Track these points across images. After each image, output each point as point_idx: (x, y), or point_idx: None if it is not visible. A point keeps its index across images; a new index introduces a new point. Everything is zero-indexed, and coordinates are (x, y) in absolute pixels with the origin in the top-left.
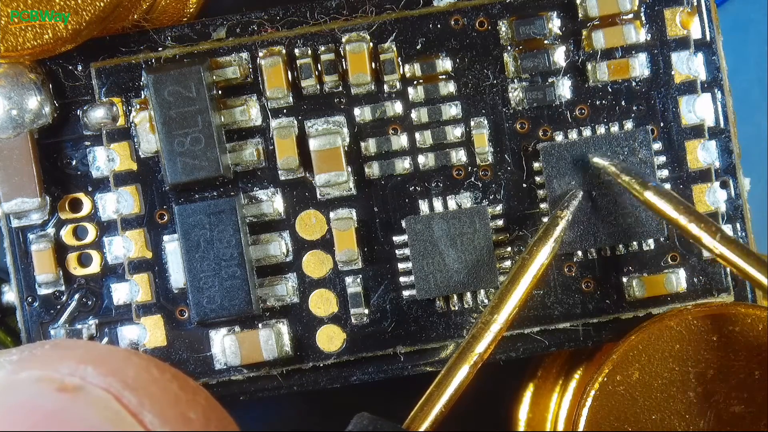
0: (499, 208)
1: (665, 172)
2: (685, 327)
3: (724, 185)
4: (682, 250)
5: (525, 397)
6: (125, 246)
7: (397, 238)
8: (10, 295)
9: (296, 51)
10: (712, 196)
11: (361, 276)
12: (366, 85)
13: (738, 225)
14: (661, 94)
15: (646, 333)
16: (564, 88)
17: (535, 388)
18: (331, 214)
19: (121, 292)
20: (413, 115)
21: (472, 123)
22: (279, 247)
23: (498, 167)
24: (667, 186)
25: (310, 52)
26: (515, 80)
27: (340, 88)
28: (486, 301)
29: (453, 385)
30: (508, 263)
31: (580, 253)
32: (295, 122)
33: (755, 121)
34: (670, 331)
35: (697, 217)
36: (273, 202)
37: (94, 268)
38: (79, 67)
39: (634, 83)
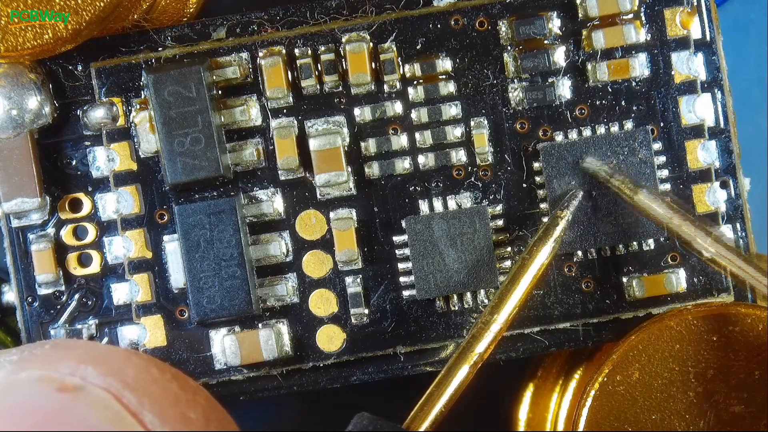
0: (499, 208)
1: (665, 172)
2: (685, 327)
3: (724, 185)
4: (682, 250)
5: (525, 397)
6: (125, 246)
7: (397, 238)
8: (10, 295)
9: (296, 51)
10: (712, 196)
11: (361, 276)
12: (366, 85)
13: (738, 225)
14: (661, 94)
15: (646, 333)
16: (564, 88)
17: (535, 388)
18: (331, 214)
19: (121, 292)
20: (413, 115)
21: (472, 123)
22: (279, 247)
23: (498, 167)
24: (667, 186)
25: (310, 52)
26: (515, 80)
27: (340, 88)
28: (486, 301)
29: (453, 385)
30: (508, 263)
31: (580, 253)
32: (295, 122)
33: (755, 121)
34: (670, 331)
35: (689, 219)
36: (273, 202)
37: (94, 268)
38: (79, 67)
39: (634, 83)
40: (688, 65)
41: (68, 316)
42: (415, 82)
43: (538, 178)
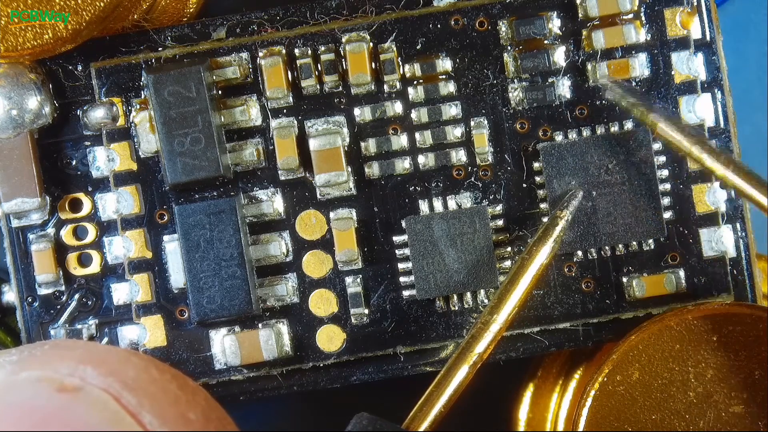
0: (499, 208)
1: (665, 172)
2: (685, 327)
3: (724, 185)
4: (682, 250)
5: (525, 397)
6: (125, 246)
7: (397, 238)
8: (10, 295)
9: (296, 51)
10: (712, 196)
11: (361, 276)
12: (366, 85)
13: (738, 225)
14: (661, 94)
15: (646, 333)
16: (564, 88)
17: (535, 388)
18: (331, 214)
19: (121, 292)
20: (413, 115)
21: (472, 123)
22: (279, 247)
23: (498, 167)
24: (667, 186)
25: (310, 52)
26: (515, 80)
27: (340, 88)
28: (486, 301)
29: (452, 385)
30: (508, 263)
31: (580, 253)
32: (295, 122)
33: (755, 121)
34: (670, 331)
35: (708, 149)
36: (273, 202)
37: (94, 268)
38: (79, 67)
39: (634, 83)
40: (688, 65)
41: (68, 316)
42: (415, 82)
43: (538, 178)
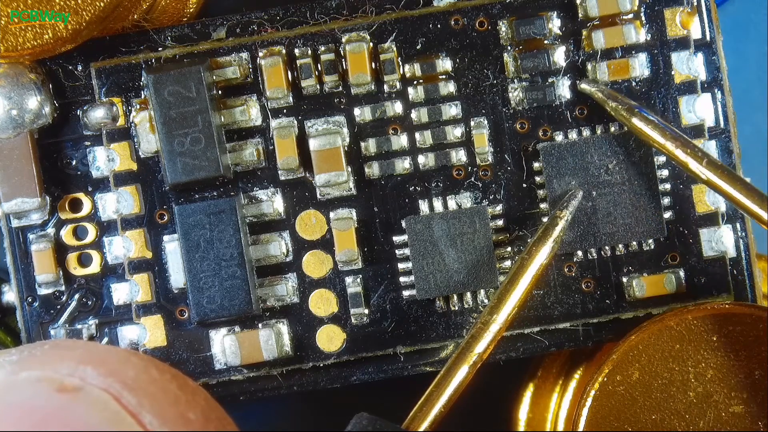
0: (499, 208)
1: (665, 172)
2: (685, 327)
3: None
4: (682, 250)
5: (525, 397)
6: (125, 246)
7: (397, 238)
8: (10, 295)
9: (296, 51)
10: (712, 196)
11: (361, 276)
12: (366, 85)
13: (738, 225)
14: (661, 94)
15: (646, 333)
16: (564, 88)
17: (535, 388)
18: (331, 214)
19: (121, 292)
20: (413, 115)
21: (472, 123)
22: (279, 247)
23: (498, 167)
24: (667, 186)
25: (310, 52)
26: (515, 80)
27: (340, 88)
28: (486, 301)
29: (452, 385)
30: (508, 263)
31: (580, 253)
32: (295, 122)
33: (755, 121)
34: (670, 331)
35: (683, 142)
36: (273, 202)
37: (94, 268)
38: (79, 67)
39: (634, 83)
40: (688, 65)
41: (68, 316)
42: (415, 82)
43: (538, 178)
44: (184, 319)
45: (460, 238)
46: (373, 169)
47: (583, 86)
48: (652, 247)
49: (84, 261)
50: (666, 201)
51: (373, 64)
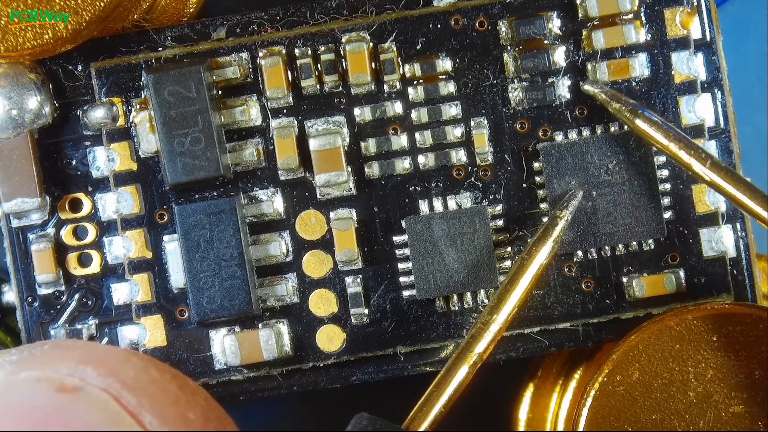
0: (499, 208)
1: (665, 172)
2: (685, 327)
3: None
4: (682, 250)
5: (525, 397)
6: (125, 246)
7: (397, 238)
8: (10, 295)
9: (296, 51)
10: (712, 196)
11: (361, 276)
12: (366, 85)
13: (738, 225)
14: (661, 94)
15: (646, 333)
16: (564, 88)
17: (535, 388)
18: (331, 214)
19: (121, 292)
20: (413, 115)
21: (472, 123)
22: (279, 247)
23: (498, 167)
24: (667, 186)
25: (310, 52)
26: (515, 80)
27: (340, 88)
28: (486, 301)
29: (452, 385)
30: (508, 263)
31: (580, 253)
32: (295, 122)
33: (755, 121)
34: (670, 331)
35: (687, 143)
36: (273, 202)
37: (94, 268)
38: (79, 67)
39: (634, 83)
40: (688, 65)
41: (68, 316)
42: (415, 82)
43: (538, 178)
44: (184, 319)
45: (460, 238)
46: (373, 169)
47: (586, 87)
48: (652, 247)
49: (84, 261)
50: (666, 201)
51: (373, 64)
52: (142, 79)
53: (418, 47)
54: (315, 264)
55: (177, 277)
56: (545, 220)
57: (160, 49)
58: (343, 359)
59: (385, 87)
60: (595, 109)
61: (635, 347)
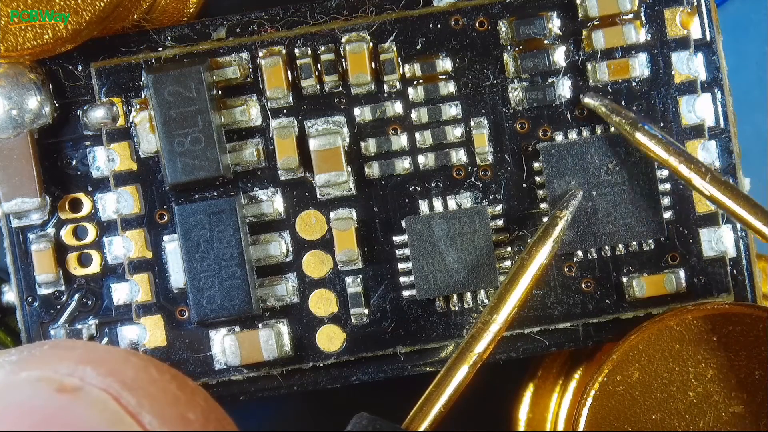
0: (499, 208)
1: (665, 172)
2: (685, 327)
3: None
4: (682, 250)
5: (525, 397)
6: (125, 246)
7: (397, 238)
8: (10, 295)
9: (296, 51)
10: None
11: (361, 276)
12: (366, 85)
13: (738, 225)
14: (661, 94)
15: (646, 333)
16: (564, 88)
17: (535, 388)
18: (331, 214)
19: (121, 292)
20: (413, 115)
21: (472, 123)
22: (279, 247)
23: (498, 167)
24: (667, 186)
25: (310, 52)
26: (515, 80)
27: (340, 88)
28: (486, 301)
29: (452, 385)
30: (508, 263)
31: (580, 253)
32: (295, 122)
33: (755, 121)
34: (670, 331)
35: (687, 158)
36: (273, 202)
37: (94, 268)
38: (79, 67)
39: (634, 83)
40: (688, 65)
41: (68, 316)
42: (415, 82)
43: (538, 178)
44: (184, 319)
45: (460, 238)
46: (373, 169)
47: (587, 100)
48: (652, 247)
49: (84, 261)
50: (666, 201)
51: (373, 64)
52: (142, 79)
53: (418, 47)
54: (315, 264)
55: (177, 277)
56: (545, 220)
57: (160, 49)
58: (343, 359)
59: (385, 87)
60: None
61: (635, 347)
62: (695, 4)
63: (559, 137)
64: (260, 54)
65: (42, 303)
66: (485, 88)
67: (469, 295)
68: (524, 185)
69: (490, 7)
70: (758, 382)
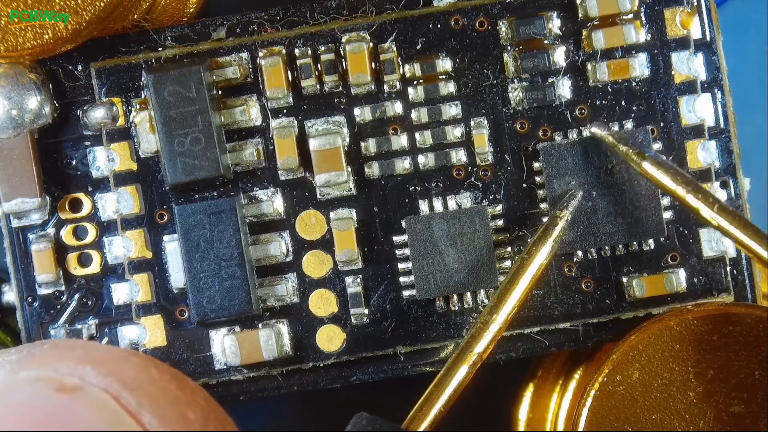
0: (499, 208)
1: None
2: (685, 327)
3: (724, 185)
4: (682, 250)
5: (525, 397)
6: (125, 246)
7: (397, 238)
8: (10, 295)
9: (296, 51)
10: None
11: (361, 276)
12: (366, 85)
13: None
14: (661, 94)
15: (646, 333)
16: (564, 88)
17: (535, 388)
18: (331, 214)
19: (121, 292)
20: (413, 115)
21: (472, 123)
22: (279, 247)
23: (498, 167)
24: None
25: (310, 52)
26: (515, 80)
27: (340, 88)
28: (486, 301)
29: (452, 385)
30: (508, 263)
31: (580, 253)
32: (295, 122)
33: (755, 121)
34: (670, 331)
35: (695, 188)
36: (273, 202)
37: (94, 268)
38: (79, 67)
39: (634, 83)
40: (688, 65)
41: (68, 316)
42: (415, 82)
43: (538, 178)
44: (184, 319)
45: (460, 238)
46: (373, 169)
47: (594, 130)
48: (652, 247)
49: (84, 261)
50: (666, 201)
51: (373, 64)
52: (142, 79)
53: (418, 47)
54: (315, 264)
55: (177, 277)
56: (545, 220)
57: (160, 49)
58: (343, 359)
59: (385, 87)
60: (595, 109)
61: (635, 347)
62: (695, 4)
63: (559, 137)
64: (260, 54)
65: (42, 303)
66: (485, 88)
67: (469, 295)
68: (524, 185)
69: (490, 7)
70: (758, 382)
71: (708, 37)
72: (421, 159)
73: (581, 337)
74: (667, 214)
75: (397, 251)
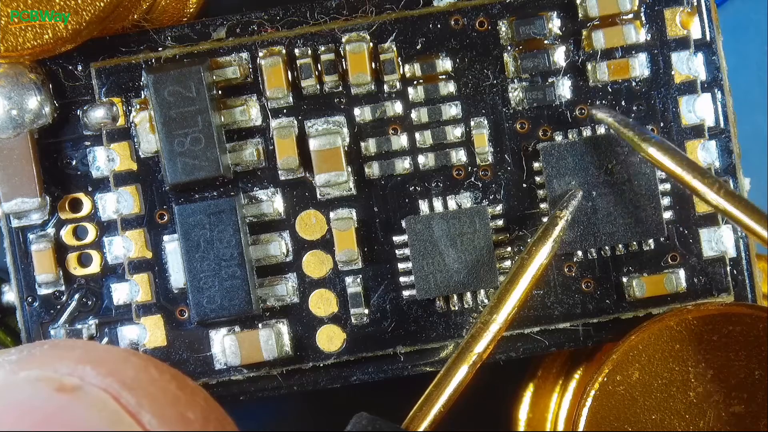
0: (499, 208)
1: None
2: (685, 327)
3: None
4: (682, 250)
5: (525, 397)
6: (125, 246)
7: (397, 238)
8: (10, 295)
9: (296, 51)
10: None
11: (361, 276)
12: (366, 85)
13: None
14: (661, 94)
15: (646, 333)
16: (564, 88)
17: (535, 388)
18: (331, 214)
19: (121, 292)
20: (413, 115)
21: (472, 123)
22: (279, 247)
23: (498, 167)
24: (667, 186)
25: (310, 52)
26: (515, 80)
27: (340, 88)
28: (486, 301)
29: (452, 385)
30: (508, 263)
31: (580, 253)
32: (295, 122)
33: (755, 121)
34: (670, 331)
35: (699, 172)
36: (273, 202)
37: (94, 268)
38: (79, 67)
39: (634, 83)
40: (688, 65)
41: (68, 316)
42: (415, 82)
43: (538, 178)
44: (184, 319)
45: (460, 238)
46: (373, 169)
47: (598, 114)
48: (652, 247)
49: (84, 261)
50: (666, 201)
51: (373, 64)
52: (142, 79)
53: (418, 47)
54: (315, 264)
55: (177, 277)
56: (545, 220)
57: (160, 49)
58: (343, 359)
59: (385, 87)
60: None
61: (635, 347)
62: (695, 4)
63: (559, 137)
64: (260, 54)
65: (42, 303)
66: (485, 88)
67: (469, 295)
68: (524, 185)
69: (490, 7)
70: (758, 382)
71: (708, 37)
72: (421, 159)
73: (581, 337)
74: (667, 214)
75: (397, 251)
